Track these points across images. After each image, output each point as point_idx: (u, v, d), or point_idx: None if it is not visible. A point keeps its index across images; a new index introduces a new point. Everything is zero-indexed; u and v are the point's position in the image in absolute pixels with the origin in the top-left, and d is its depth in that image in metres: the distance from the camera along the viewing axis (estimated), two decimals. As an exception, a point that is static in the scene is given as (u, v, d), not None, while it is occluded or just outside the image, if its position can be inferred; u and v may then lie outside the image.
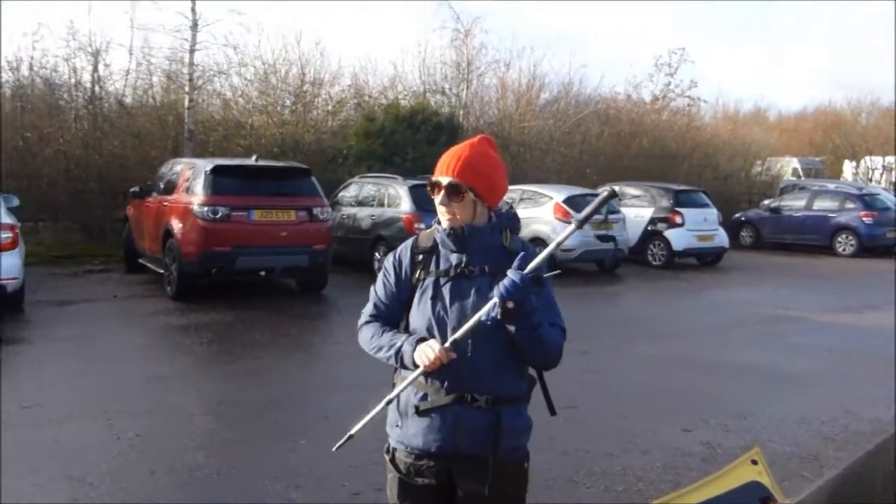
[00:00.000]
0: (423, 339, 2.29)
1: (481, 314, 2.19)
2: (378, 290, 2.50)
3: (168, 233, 9.85)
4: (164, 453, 4.82)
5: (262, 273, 9.91)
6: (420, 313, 2.37)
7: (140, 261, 11.38)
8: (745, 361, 7.69)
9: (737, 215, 20.83)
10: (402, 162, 16.40)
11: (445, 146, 13.68)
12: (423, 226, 11.25)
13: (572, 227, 2.29)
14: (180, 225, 9.64)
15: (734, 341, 8.68)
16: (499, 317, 2.16)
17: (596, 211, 2.28)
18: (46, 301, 9.41)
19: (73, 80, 16.19)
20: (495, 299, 2.15)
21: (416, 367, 2.27)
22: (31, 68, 15.85)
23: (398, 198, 12.24)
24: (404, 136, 16.95)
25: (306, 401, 6.11)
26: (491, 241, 2.37)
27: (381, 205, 12.54)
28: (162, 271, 10.20)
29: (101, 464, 4.60)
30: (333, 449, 2.48)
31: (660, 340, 8.59)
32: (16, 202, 9.48)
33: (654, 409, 6.05)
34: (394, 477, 2.46)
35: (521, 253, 2.22)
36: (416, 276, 2.41)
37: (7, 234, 8.23)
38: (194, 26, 15.93)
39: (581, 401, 5.91)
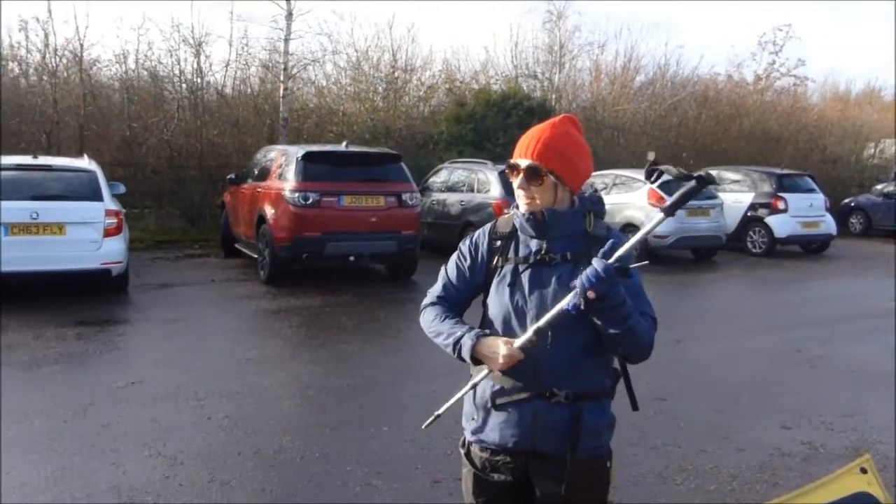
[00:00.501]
0: (485, 335, 2.19)
1: (563, 304, 2.07)
2: (450, 272, 2.40)
3: (261, 218, 10.07)
4: (251, 435, 4.91)
5: (352, 258, 10.01)
6: (497, 301, 2.26)
7: (236, 246, 11.70)
8: (851, 357, 7.25)
9: (846, 201, 19.75)
10: (492, 147, 16.28)
11: (536, 131, 13.23)
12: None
13: (660, 215, 2.13)
14: (272, 211, 9.84)
15: (840, 335, 8.20)
16: (581, 307, 2.04)
17: (686, 199, 2.13)
18: (148, 284, 9.79)
19: (176, 72, 16.80)
20: (577, 289, 2.03)
21: (476, 362, 2.19)
22: (137, 61, 16.53)
23: (488, 183, 12.14)
24: (495, 121, 16.81)
25: (391, 387, 6.12)
26: (573, 227, 2.24)
27: (471, 190, 12.47)
28: (256, 256, 10.45)
29: (192, 443, 4.72)
30: (423, 426, 2.48)
31: (758, 332, 8.21)
32: (122, 189, 9.87)
33: (750, 404, 5.77)
34: (469, 471, 2.38)
35: (611, 240, 2.08)
36: (494, 262, 2.31)
37: (112, 220, 8.59)
38: (289, 16, 16.23)
39: (672, 393, 5.68)
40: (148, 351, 6.95)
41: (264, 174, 10.68)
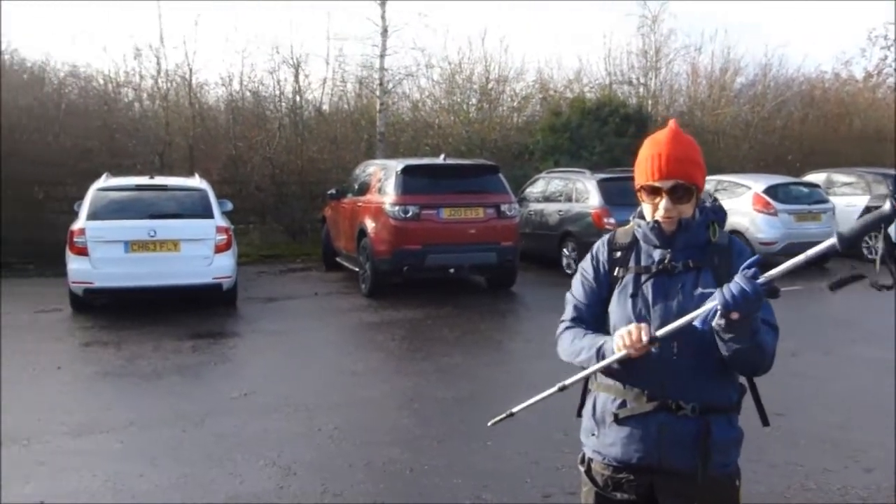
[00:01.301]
0: None
1: (695, 318, 1.98)
2: (576, 292, 2.35)
3: (362, 232, 10.26)
4: (361, 447, 4.98)
5: (451, 270, 10.06)
6: (619, 312, 2.21)
7: (337, 259, 11.96)
8: None
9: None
10: (589, 156, 16.10)
11: (634, 138, 13.13)
12: (612, 220, 10.98)
13: (831, 241, 1.90)
14: (373, 224, 10.01)
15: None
16: (720, 326, 1.95)
17: (869, 230, 1.93)
18: (255, 298, 10.12)
19: (277, 92, 17.38)
20: (716, 305, 1.93)
21: (623, 364, 2.09)
22: (241, 83, 17.17)
23: (586, 192, 11.98)
24: (591, 129, 16.62)
25: (494, 399, 6.09)
26: (699, 237, 2.18)
27: (569, 200, 12.35)
28: (357, 269, 10.65)
29: (304, 454, 4.83)
30: (489, 424, 2.41)
31: (877, 342, 7.76)
32: (230, 207, 10.25)
33: (877, 420, 5.45)
34: (589, 490, 2.32)
35: (755, 257, 1.99)
36: (615, 273, 2.27)
37: (222, 237, 8.93)
38: (384, 32, 16.55)
39: (790, 408, 5.44)
40: (258, 363, 7.17)
41: (364, 189, 10.88)
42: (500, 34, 27.11)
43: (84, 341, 7.81)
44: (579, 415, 2.37)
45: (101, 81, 16.55)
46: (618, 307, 2.22)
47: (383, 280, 9.99)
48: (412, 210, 9.64)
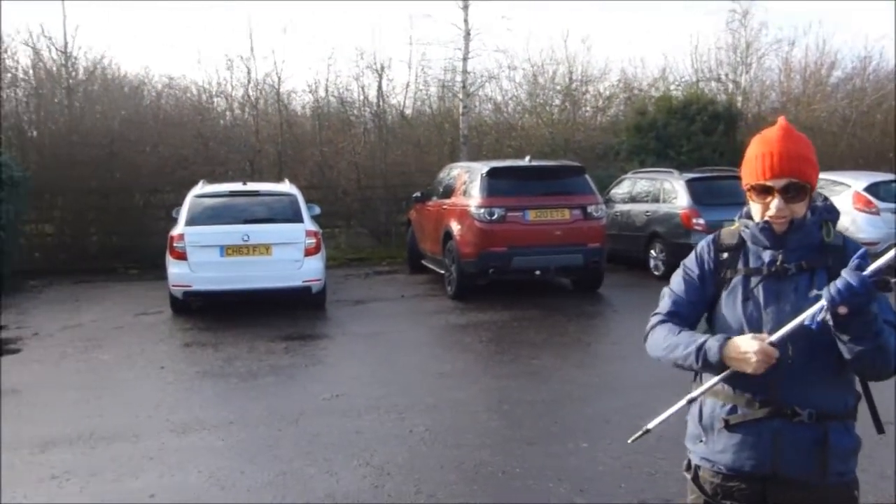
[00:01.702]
0: (730, 337, 2.05)
1: (804, 318, 1.94)
2: (675, 286, 2.29)
3: (448, 235, 10.32)
4: (452, 449, 5.01)
5: (537, 272, 10.01)
6: (729, 315, 2.15)
7: (422, 262, 12.06)
8: None
9: None
10: (676, 155, 15.75)
11: (724, 136, 12.74)
12: (702, 221, 10.73)
13: None
14: (459, 227, 10.05)
15: None
16: (829, 322, 1.90)
17: None
18: (344, 300, 10.30)
19: (361, 97, 17.67)
20: (823, 302, 1.89)
21: (723, 368, 2.04)
22: (326, 89, 17.54)
23: (674, 192, 11.73)
24: (678, 128, 16.25)
25: (586, 402, 6.03)
26: (812, 237, 2.11)
27: (656, 200, 12.11)
28: (442, 272, 10.71)
29: (397, 455, 4.89)
30: (629, 441, 2.35)
31: None
32: (317, 211, 10.47)
33: None
34: (697, 498, 2.26)
35: (861, 250, 1.93)
36: (722, 274, 2.21)
37: (311, 241, 9.14)
38: (467, 36, 16.60)
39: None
40: (348, 364, 7.30)
41: (449, 191, 10.94)
42: (582, 34, 26.87)
43: (184, 342, 8.12)
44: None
45: (195, 92, 17.20)
46: (728, 310, 2.17)
47: (469, 282, 10.02)
48: (498, 212, 9.64)
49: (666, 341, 2.20)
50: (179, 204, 9.78)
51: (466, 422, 5.57)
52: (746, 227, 2.19)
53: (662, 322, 2.26)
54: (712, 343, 2.05)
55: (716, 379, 2.09)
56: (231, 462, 4.81)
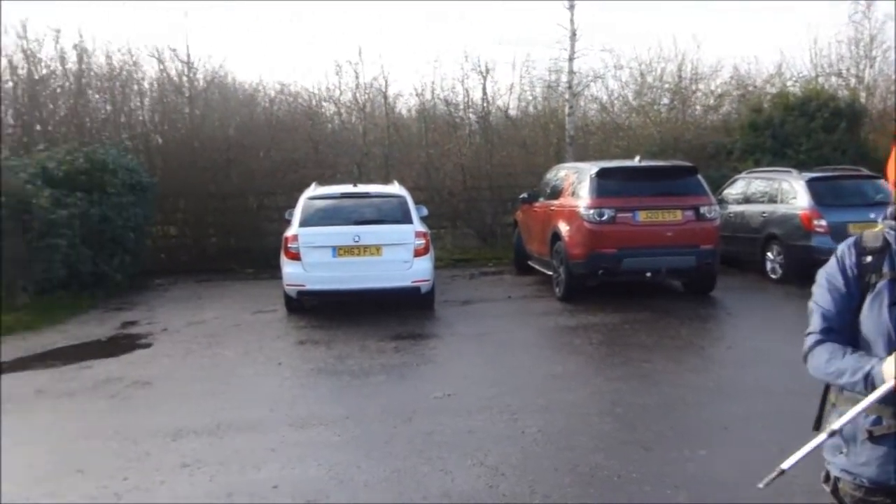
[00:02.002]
0: None
1: None
2: (821, 300, 2.18)
3: (556, 236, 10.24)
4: (565, 451, 4.97)
5: (648, 274, 9.80)
6: (873, 322, 2.05)
7: (529, 263, 12.01)
8: None
9: None
10: (794, 154, 15.07)
11: (846, 134, 12.11)
12: (823, 223, 10.26)
13: None
14: (567, 228, 9.97)
15: None
16: None
17: None
18: (451, 301, 10.39)
19: (466, 99, 17.77)
20: None
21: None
22: (432, 92, 17.73)
23: (793, 193, 11.23)
24: (796, 126, 15.55)
25: (702, 407, 5.87)
26: None
27: (773, 201, 11.63)
28: (550, 273, 10.64)
29: (510, 456, 4.89)
30: (760, 486, 2.12)
31: None
32: (425, 212, 10.59)
33: None
34: (837, 510, 2.17)
35: None
36: (866, 279, 2.11)
37: (420, 241, 9.27)
38: (573, 35, 16.45)
39: None
40: (458, 364, 7.35)
41: (557, 192, 10.86)
42: (692, 31, 26.13)
43: (298, 340, 8.39)
44: (816, 428, 2.23)
45: (306, 97, 17.73)
46: (872, 316, 2.07)
47: (578, 284, 9.91)
48: (607, 213, 9.49)
49: (830, 366, 2.09)
50: (291, 206, 10.10)
51: (579, 424, 5.51)
52: (892, 228, 2.09)
53: (820, 342, 2.15)
54: (878, 369, 1.94)
55: (864, 402, 1.97)
56: (348, 457, 4.94)
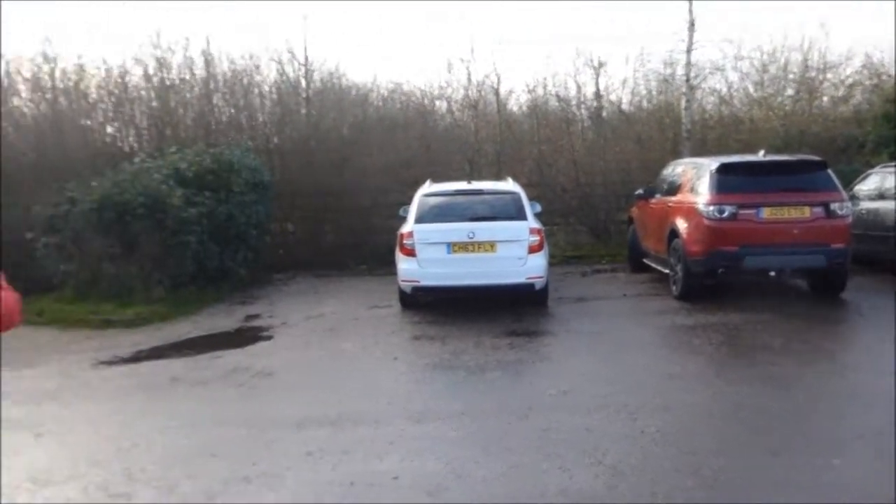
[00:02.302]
0: None
1: None
2: None
3: (673, 233, 9.97)
4: (687, 453, 4.84)
5: (772, 273, 9.39)
6: None
7: (644, 261, 11.74)
8: None
9: None
10: (933, 146, 14.10)
11: None
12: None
13: None
14: (685, 225, 9.68)
15: None
16: None
17: None
18: (565, 298, 10.28)
19: (579, 95, 17.54)
20: None
21: None
22: (545, 88, 17.60)
23: (933, 188, 10.50)
24: (935, 116, 14.53)
25: (834, 415, 5.61)
26: None
27: (910, 197, 10.91)
28: (667, 271, 10.37)
29: (630, 456, 4.80)
30: None
31: None
32: (538, 209, 10.52)
33: None
34: None
35: None
36: None
37: (535, 238, 9.22)
38: (691, 26, 15.95)
39: None
40: (573, 362, 7.27)
41: (674, 188, 10.57)
42: (819, 17, 24.85)
43: (414, 335, 8.51)
44: None
45: (419, 96, 17.96)
46: None
47: (696, 282, 9.61)
48: (728, 210, 9.15)
49: None
50: (404, 203, 10.26)
51: (701, 426, 5.37)
52: None
53: None
54: None
55: None
56: (465, 452, 4.97)
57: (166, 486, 4.59)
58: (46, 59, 14.27)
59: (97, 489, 4.59)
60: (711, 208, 9.24)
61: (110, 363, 7.69)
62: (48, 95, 14.40)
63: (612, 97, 17.89)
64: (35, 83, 14.38)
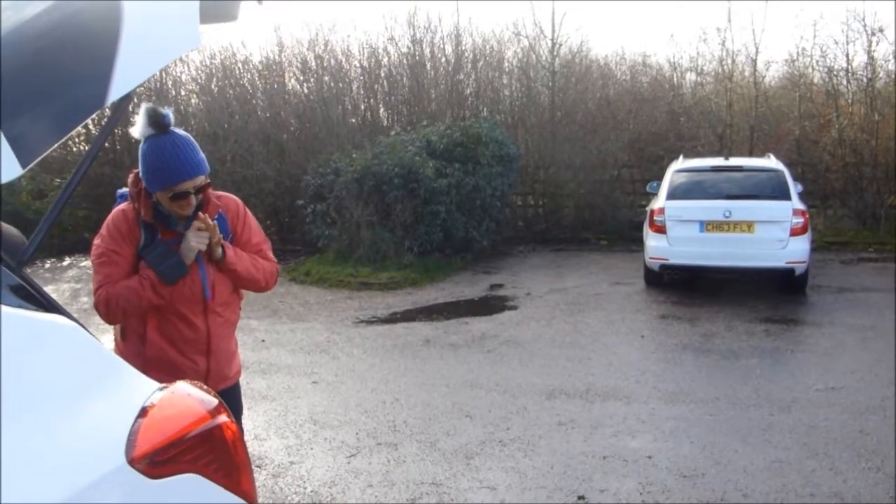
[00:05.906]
0: None
1: None
2: None
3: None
4: None
5: None
6: None
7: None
8: None
9: None
10: None
11: None
12: None
13: None
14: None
15: None
16: None
17: None
18: (825, 286, 9.46)
19: (848, 66, 15.89)
20: None
21: None
22: (811, 58, 16.15)
23: None
24: None
25: None
26: None
27: None
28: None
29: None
30: None
31: None
32: (800, 189, 9.74)
33: None
34: None
35: None
36: None
37: (799, 220, 8.55)
38: None
39: None
40: (840, 356, 6.67)
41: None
42: None
43: (660, 314, 8.27)
44: None
45: (668, 68, 17.27)
46: None
47: None
48: None
49: None
50: (648, 179, 9.92)
51: None
52: None
53: None
54: None
55: None
56: (723, 438, 4.78)
57: (428, 441, 4.87)
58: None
59: (368, 436, 4.98)
60: None
61: (369, 322, 8.28)
62: (314, 77, 15.65)
63: (891, 66, 16.03)
64: (304, 65, 15.69)
